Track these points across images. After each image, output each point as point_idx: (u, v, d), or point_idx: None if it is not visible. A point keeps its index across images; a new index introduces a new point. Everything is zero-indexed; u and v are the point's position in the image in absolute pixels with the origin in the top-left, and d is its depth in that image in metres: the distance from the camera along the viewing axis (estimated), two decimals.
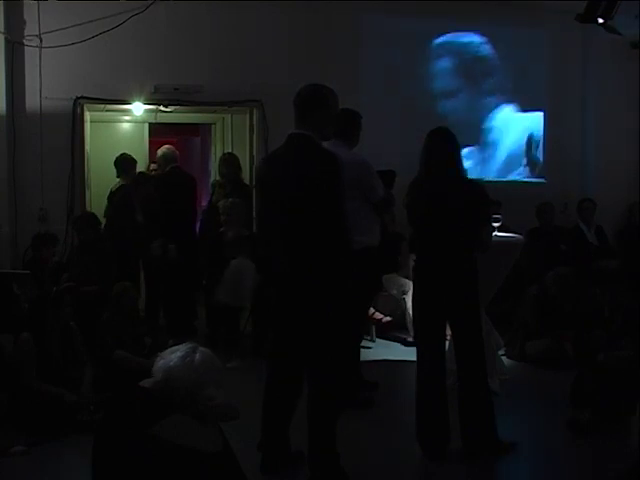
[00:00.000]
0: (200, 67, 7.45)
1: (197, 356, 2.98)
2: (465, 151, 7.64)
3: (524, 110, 8.70)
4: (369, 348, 6.53)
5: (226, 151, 8.71)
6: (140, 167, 8.56)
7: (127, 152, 7.52)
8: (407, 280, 6.68)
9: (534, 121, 8.81)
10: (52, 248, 6.42)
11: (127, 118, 8.83)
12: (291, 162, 3.66)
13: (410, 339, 6.57)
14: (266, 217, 3.84)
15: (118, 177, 7.28)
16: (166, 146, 7.28)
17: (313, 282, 3.59)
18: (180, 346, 3.05)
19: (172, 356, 2.97)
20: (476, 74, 8.49)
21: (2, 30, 6.81)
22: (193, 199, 7.26)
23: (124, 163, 7.29)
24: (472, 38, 8.47)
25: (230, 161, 7.37)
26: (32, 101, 7.02)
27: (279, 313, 3.82)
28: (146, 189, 6.64)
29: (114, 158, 7.36)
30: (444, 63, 8.40)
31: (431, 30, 8.32)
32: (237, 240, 6.06)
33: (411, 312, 5.89)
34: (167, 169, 7.02)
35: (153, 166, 8.11)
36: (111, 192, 7.28)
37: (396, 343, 6.79)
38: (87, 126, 7.47)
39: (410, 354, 5.89)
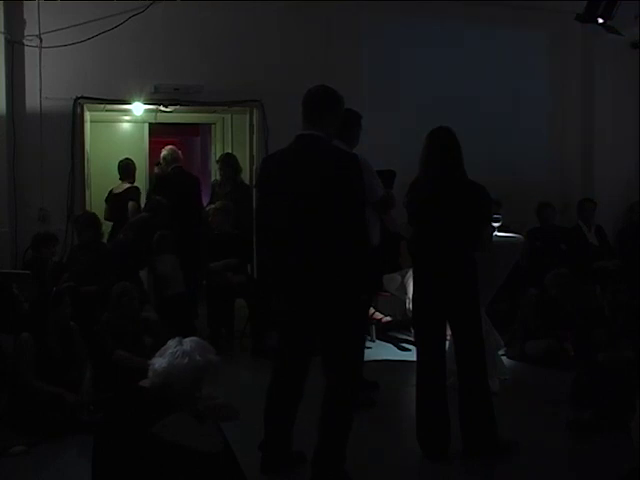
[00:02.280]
0: (200, 67, 7.44)
1: (185, 346, 3.00)
2: None
3: None
4: (369, 348, 6.52)
5: (226, 151, 8.72)
6: (139, 167, 8.60)
7: (128, 154, 7.68)
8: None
9: None
10: (52, 248, 6.41)
11: (127, 118, 8.83)
12: (310, 164, 3.60)
13: (406, 344, 6.59)
14: (275, 217, 3.71)
15: (121, 180, 7.37)
16: (169, 147, 7.44)
17: (334, 282, 3.54)
18: (166, 345, 3.06)
19: (162, 360, 2.98)
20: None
21: (2, 30, 6.81)
22: (196, 199, 7.30)
23: (127, 168, 7.49)
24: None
25: (228, 161, 7.39)
26: (32, 101, 7.01)
27: (288, 313, 3.76)
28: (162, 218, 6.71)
29: (114, 158, 7.45)
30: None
31: (431, 30, 8.32)
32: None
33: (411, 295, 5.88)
34: (169, 169, 7.14)
35: (156, 169, 8.17)
36: (112, 194, 7.33)
37: (396, 343, 6.80)
38: (87, 126, 7.46)
39: (410, 354, 5.91)
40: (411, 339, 6.32)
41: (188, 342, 3.02)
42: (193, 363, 2.96)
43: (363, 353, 5.18)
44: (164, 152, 7.44)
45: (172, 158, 7.31)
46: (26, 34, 6.94)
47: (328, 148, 3.68)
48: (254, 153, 7.94)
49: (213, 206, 6.79)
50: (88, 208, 7.31)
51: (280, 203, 3.67)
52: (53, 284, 5.79)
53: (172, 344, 3.03)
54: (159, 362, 2.98)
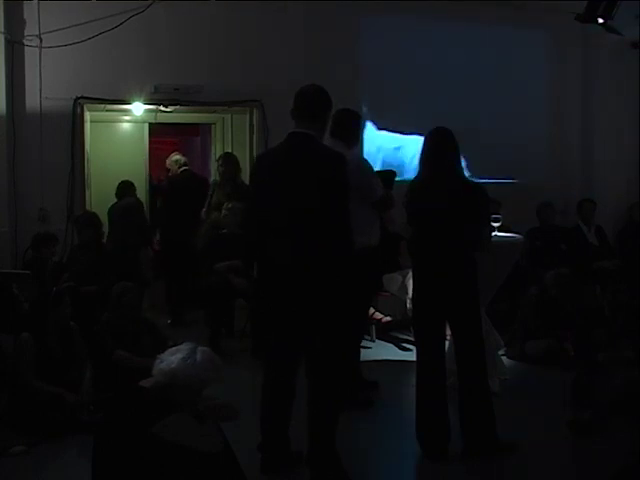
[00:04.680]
0: (200, 67, 7.45)
1: (198, 356, 2.99)
2: None
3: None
4: (369, 348, 6.53)
5: (226, 151, 8.71)
6: (139, 167, 8.62)
7: (128, 154, 7.86)
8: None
9: None
10: (52, 248, 6.41)
11: (127, 118, 8.83)
12: (299, 161, 3.64)
13: (406, 344, 6.59)
14: (265, 215, 3.76)
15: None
16: (176, 153, 7.95)
17: (315, 280, 3.58)
18: (180, 347, 3.06)
19: (173, 358, 2.99)
20: None
21: (2, 30, 6.81)
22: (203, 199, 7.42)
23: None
24: None
25: (228, 161, 7.40)
26: (32, 101, 7.02)
27: (277, 312, 3.80)
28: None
29: (114, 158, 7.53)
30: None
31: (431, 30, 8.32)
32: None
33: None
34: (179, 172, 7.61)
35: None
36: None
37: (396, 343, 6.80)
38: (87, 126, 7.47)
39: (410, 354, 5.91)
40: (411, 339, 6.31)
41: (201, 353, 3.02)
42: (200, 376, 2.96)
43: (356, 351, 5.19)
44: (175, 157, 7.77)
45: (184, 162, 7.68)
46: (26, 34, 6.95)
47: (318, 148, 3.70)
48: (254, 153, 7.95)
49: (230, 206, 6.82)
50: (88, 208, 7.32)
51: (270, 202, 3.72)
52: (53, 284, 5.79)
53: (185, 349, 3.03)
54: (168, 361, 2.98)
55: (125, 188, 7.54)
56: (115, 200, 7.52)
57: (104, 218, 7.05)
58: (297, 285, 3.62)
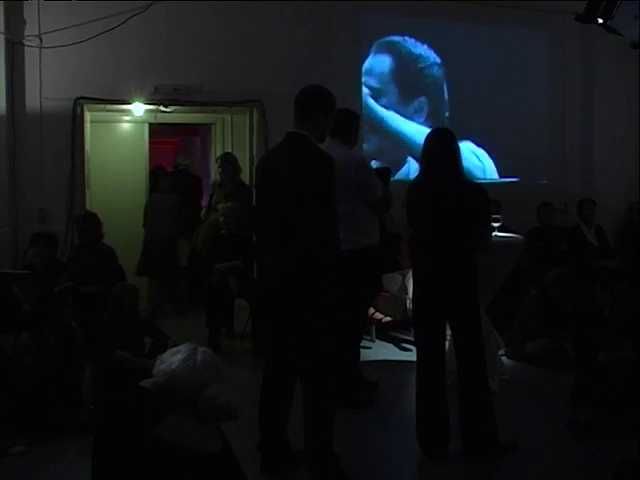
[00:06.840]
0: (200, 67, 7.45)
1: (198, 357, 2.99)
2: None
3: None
4: (369, 348, 6.53)
5: (225, 151, 8.71)
6: (139, 168, 8.63)
7: (128, 154, 8.15)
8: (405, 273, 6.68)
9: None
10: (53, 249, 6.40)
11: (127, 118, 8.82)
12: (286, 161, 3.67)
13: (406, 344, 6.58)
14: (261, 215, 3.85)
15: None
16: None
17: (300, 280, 3.58)
18: (181, 347, 3.06)
19: (173, 359, 2.99)
20: None
21: (2, 30, 6.80)
22: (195, 198, 7.54)
23: None
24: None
25: (228, 161, 7.40)
26: (32, 101, 7.02)
27: (274, 313, 3.82)
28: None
29: (114, 158, 7.56)
30: None
31: (431, 30, 8.32)
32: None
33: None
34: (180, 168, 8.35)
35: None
36: None
37: (396, 343, 6.79)
38: (87, 126, 7.46)
39: (410, 354, 5.91)
40: (411, 339, 6.32)
41: (201, 354, 3.02)
42: (200, 377, 2.96)
43: (355, 352, 5.18)
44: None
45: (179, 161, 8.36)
46: (26, 34, 6.95)
47: (308, 148, 3.69)
48: (254, 153, 7.95)
49: (225, 206, 6.81)
50: (88, 208, 7.31)
51: (265, 201, 3.78)
52: (53, 284, 5.79)
53: (186, 349, 3.03)
54: (168, 362, 2.98)
55: (166, 180, 8.08)
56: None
57: (104, 218, 7.04)
58: (285, 285, 3.63)
